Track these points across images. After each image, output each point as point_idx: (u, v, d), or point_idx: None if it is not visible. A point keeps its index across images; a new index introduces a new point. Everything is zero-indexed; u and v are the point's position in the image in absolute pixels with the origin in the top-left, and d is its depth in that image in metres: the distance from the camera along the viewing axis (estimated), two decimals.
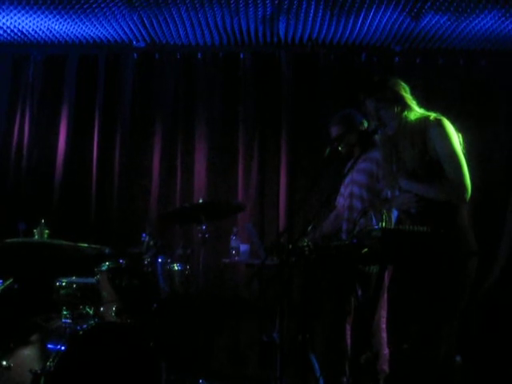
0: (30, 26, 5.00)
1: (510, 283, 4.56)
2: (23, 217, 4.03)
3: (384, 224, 2.54)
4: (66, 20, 4.87)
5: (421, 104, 2.84)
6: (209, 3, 4.54)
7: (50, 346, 3.13)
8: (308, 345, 2.96)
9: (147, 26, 5.00)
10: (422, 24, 4.86)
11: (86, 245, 3.86)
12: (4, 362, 3.09)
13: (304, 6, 4.57)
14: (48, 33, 5.14)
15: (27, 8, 4.66)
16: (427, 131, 2.69)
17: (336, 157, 3.63)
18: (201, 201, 4.25)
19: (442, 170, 2.65)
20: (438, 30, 4.95)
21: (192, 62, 5.50)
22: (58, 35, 5.20)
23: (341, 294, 3.46)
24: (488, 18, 4.71)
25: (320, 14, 4.73)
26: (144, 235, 3.84)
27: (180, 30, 5.08)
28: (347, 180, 3.68)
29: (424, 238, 2.45)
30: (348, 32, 5.06)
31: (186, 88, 5.49)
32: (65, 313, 3.30)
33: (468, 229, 2.66)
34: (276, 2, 4.49)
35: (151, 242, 3.78)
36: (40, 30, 5.07)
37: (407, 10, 4.60)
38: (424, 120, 2.74)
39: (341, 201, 3.76)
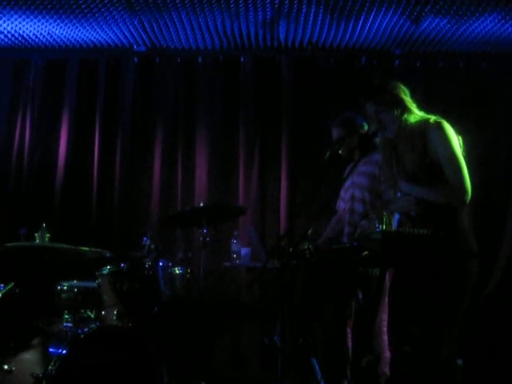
0: (30, 31, 5.02)
1: (511, 285, 4.55)
2: (24, 221, 4.04)
3: (384, 227, 2.54)
4: (66, 24, 4.88)
5: (421, 107, 2.85)
6: (209, 7, 4.55)
7: (51, 349, 3.13)
8: (309, 348, 2.96)
9: (148, 30, 5.01)
10: (422, 27, 4.87)
11: (87, 248, 3.85)
12: (5, 366, 3.08)
13: (304, 9, 4.58)
14: (49, 37, 5.15)
15: (28, 13, 4.67)
16: (427, 134, 2.69)
17: (336, 160, 3.63)
18: (202, 204, 4.26)
19: (442, 173, 2.65)
20: (438, 33, 4.96)
21: (192, 66, 5.51)
22: (58, 40, 5.21)
23: (342, 296, 3.46)
24: (488, 21, 4.72)
25: (320, 18, 4.74)
26: (145, 239, 3.84)
27: (180, 34, 5.09)
28: (347, 183, 3.66)
29: (424, 240, 2.45)
30: (348, 36, 5.07)
31: (187, 92, 5.50)
32: (66, 317, 3.30)
33: (468, 231, 2.66)
34: (276, 5, 4.50)
35: (152, 246, 3.78)
36: (41, 34, 5.08)
37: (407, 13, 4.60)
38: (424, 123, 2.73)
39: (341, 205, 3.75)
